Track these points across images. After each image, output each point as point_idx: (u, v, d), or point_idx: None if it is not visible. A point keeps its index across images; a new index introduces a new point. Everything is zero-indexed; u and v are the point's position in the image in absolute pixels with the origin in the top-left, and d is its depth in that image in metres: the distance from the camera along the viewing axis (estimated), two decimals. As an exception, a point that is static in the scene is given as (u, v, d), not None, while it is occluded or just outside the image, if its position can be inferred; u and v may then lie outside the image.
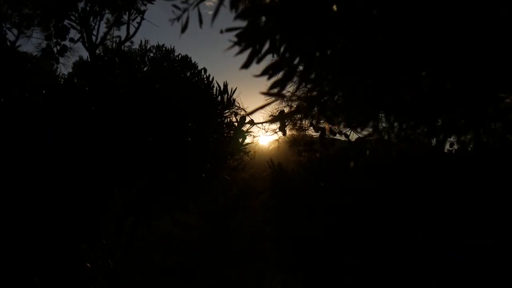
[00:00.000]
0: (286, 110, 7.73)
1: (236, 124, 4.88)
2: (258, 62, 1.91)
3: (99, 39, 5.15)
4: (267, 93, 1.83)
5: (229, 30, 1.84)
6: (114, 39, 5.89)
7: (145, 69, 5.35)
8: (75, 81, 5.18)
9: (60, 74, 5.85)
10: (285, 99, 1.79)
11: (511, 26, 1.57)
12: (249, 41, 1.78)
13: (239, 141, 4.94)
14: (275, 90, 1.86)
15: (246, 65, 1.83)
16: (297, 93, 1.85)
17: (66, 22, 5.74)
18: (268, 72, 1.87)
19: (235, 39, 1.80)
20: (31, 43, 9.74)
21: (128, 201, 4.74)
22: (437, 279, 3.10)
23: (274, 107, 7.96)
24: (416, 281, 3.06)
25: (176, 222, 12.64)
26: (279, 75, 1.87)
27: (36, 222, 3.50)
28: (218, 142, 4.75)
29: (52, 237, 3.60)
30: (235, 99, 4.92)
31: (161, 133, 4.73)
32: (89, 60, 5.17)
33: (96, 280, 4.23)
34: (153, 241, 11.29)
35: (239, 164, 5.06)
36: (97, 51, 5.08)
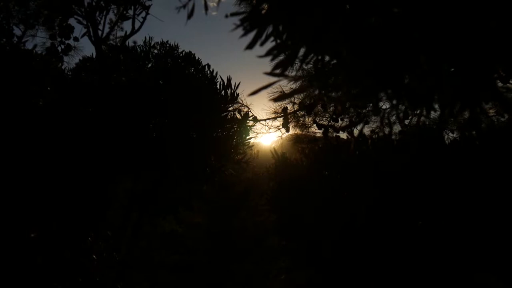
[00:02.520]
0: (290, 107, 7.77)
1: (239, 117, 4.93)
2: (261, 44, 1.97)
3: (105, 34, 5.22)
4: (270, 73, 1.88)
5: (233, 14, 1.90)
6: (119, 35, 6.00)
7: (150, 65, 5.41)
8: (82, 74, 5.27)
9: (66, 71, 5.94)
10: (289, 79, 1.84)
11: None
12: (253, 24, 1.83)
13: (243, 135, 4.99)
14: (279, 71, 1.91)
15: (250, 46, 1.88)
16: (299, 73, 1.90)
17: (73, 17, 5.82)
18: (272, 52, 1.93)
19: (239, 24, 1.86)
20: (36, 42, 9.84)
21: (133, 194, 4.79)
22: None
23: (278, 104, 8.01)
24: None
25: (180, 220, 12.68)
26: (282, 56, 1.92)
27: (41, 213, 3.57)
28: (222, 136, 4.80)
29: (58, 227, 3.66)
30: (238, 94, 4.98)
31: (166, 128, 4.79)
32: (94, 55, 5.26)
33: (102, 272, 4.29)
34: (158, 240, 11.33)
35: (243, 157, 5.11)
36: (103, 47, 5.15)
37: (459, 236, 3.02)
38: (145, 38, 5.53)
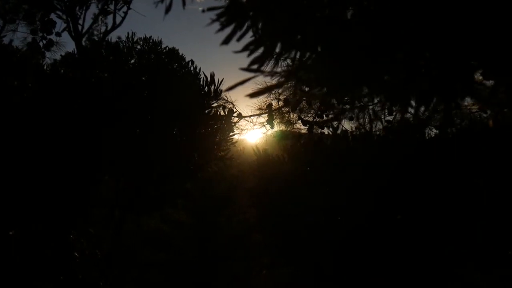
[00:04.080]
0: (274, 103, 7.78)
1: (222, 114, 4.91)
2: (238, 40, 1.97)
3: (85, 29, 5.15)
4: (247, 69, 1.88)
5: (210, 9, 1.90)
6: (100, 31, 5.90)
7: (132, 61, 5.36)
8: (62, 71, 5.18)
9: (46, 67, 5.83)
10: (265, 74, 1.83)
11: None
12: (231, 19, 1.83)
13: (226, 132, 4.98)
14: (255, 66, 1.91)
15: (226, 41, 1.88)
16: (276, 69, 1.90)
17: (54, 12, 5.70)
18: (249, 48, 1.92)
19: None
20: (17, 37, 9.59)
21: (117, 192, 4.75)
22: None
23: (262, 100, 8.01)
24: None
25: (166, 218, 12.61)
26: (259, 51, 1.92)
27: (20, 210, 3.51)
28: (205, 133, 4.79)
29: (38, 225, 3.61)
30: (222, 90, 4.96)
31: (148, 125, 4.75)
32: (75, 51, 5.17)
33: (85, 269, 4.25)
34: (143, 238, 11.25)
35: (226, 154, 5.10)
36: (84, 43, 5.08)
37: (437, 231, 3.07)
38: (128, 33, 5.49)
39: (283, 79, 1.93)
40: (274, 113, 7.82)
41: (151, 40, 5.60)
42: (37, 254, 3.62)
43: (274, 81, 1.93)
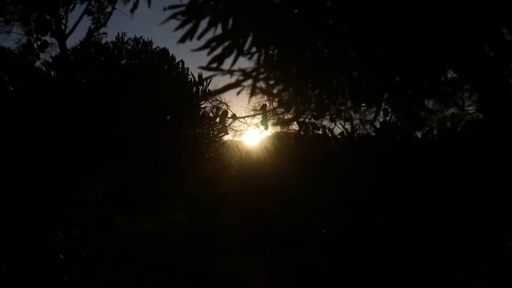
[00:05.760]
0: (268, 104, 7.73)
1: (211, 115, 4.87)
2: (198, 38, 1.94)
3: (69, 29, 5.14)
4: (206, 68, 1.85)
5: (171, 7, 1.87)
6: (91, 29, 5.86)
7: (123, 62, 5.33)
8: (52, 73, 5.17)
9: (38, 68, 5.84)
10: (224, 73, 1.80)
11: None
12: (189, 17, 1.80)
13: (215, 132, 4.94)
14: (215, 65, 1.88)
15: (182, 40, 1.86)
16: (234, 67, 1.86)
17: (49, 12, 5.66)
18: (209, 45, 1.90)
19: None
20: (11, 38, 9.57)
21: (105, 192, 4.73)
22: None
23: (257, 101, 7.97)
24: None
25: (162, 219, 12.57)
26: (219, 50, 1.89)
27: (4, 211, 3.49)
28: (193, 133, 4.75)
29: (21, 225, 3.59)
30: (210, 90, 4.93)
31: (137, 125, 4.73)
32: (59, 51, 5.15)
33: (70, 271, 4.22)
34: (139, 239, 11.20)
35: (214, 155, 5.06)
36: (73, 44, 5.08)
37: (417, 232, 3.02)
38: (118, 34, 5.46)
39: (242, 77, 1.90)
40: (268, 114, 7.78)
41: (141, 41, 5.58)
42: (18, 256, 3.60)
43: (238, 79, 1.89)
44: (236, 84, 1.91)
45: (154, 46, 5.68)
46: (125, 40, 5.56)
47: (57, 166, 3.89)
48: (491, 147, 2.63)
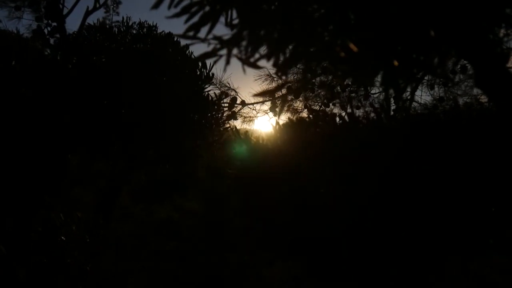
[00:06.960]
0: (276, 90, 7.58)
1: (215, 99, 4.79)
2: (176, 6, 1.85)
3: (66, 11, 5.09)
4: (182, 36, 1.76)
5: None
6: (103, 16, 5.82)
7: (128, 45, 5.28)
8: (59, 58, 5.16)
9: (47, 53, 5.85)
10: (201, 40, 1.70)
11: None
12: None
13: (218, 116, 4.86)
14: (191, 33, 1.78)
15: (156, 5, 1.77)
16: (212, 34, 1.76)
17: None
18: (185, 12, 1.80)
19: None
20: (22, 24, 9.67)
21: (109, 175, 4.71)
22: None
23: (265, 87, 7.84)
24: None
25: (177, 207, 12.69)
26: (196, 18, 1.80)
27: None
28: (196, 117, 4.68)
29: (20, 203, 3.59)
30: (213, 74, 4.83)
31: (140, 108, 4.68)
32: (58, 34, 5.13)
33: (72, 254, 4.23)
34: (154, 227, 11.33)
35: (219, 139, 4.98)
36: (74, 31, 5.05)
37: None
38: (123, 18, 5.42)
39: (219, 46, 1.80)
40: (277, 100, 7.65)
41: (146, 25, 5.52)
42: (16, 236, 3.61)
43: (210, 48, 1.79)
44: (213, 53, 1.81)
45: (158, 31, 5.62)
46: (130, 24, 5.51)
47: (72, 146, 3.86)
48: (499, 130, 2.47)
